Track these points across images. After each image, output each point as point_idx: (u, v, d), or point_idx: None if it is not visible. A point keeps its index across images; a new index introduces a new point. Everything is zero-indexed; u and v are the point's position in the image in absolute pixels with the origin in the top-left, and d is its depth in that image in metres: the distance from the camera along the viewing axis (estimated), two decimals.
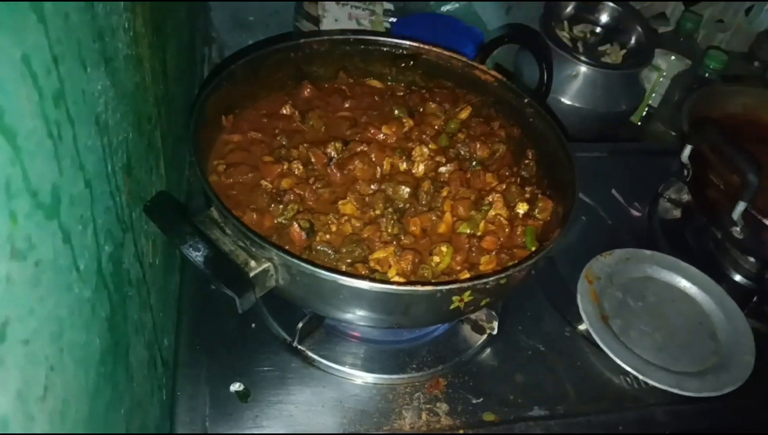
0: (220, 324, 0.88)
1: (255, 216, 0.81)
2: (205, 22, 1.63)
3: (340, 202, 0.84)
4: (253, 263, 0.70)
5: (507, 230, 0.86)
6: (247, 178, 0.86)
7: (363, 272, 0.76)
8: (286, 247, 0.78)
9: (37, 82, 0.35)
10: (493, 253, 0.83)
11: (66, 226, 0.40)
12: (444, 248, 0.81)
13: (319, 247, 0.78)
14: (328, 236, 0.80)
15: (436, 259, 0.81)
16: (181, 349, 0.85)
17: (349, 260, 0.77)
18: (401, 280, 0.75)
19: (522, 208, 0.90)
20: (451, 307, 0.72)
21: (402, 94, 1.05)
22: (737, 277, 1.11)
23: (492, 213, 0.87)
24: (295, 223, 0.80)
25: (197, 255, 0.64)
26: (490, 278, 0.69)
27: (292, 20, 1.57)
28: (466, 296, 0.71)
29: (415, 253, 0.79)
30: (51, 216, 0.38)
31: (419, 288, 0.67)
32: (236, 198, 0.84)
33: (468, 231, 0.85)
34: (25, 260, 0.33)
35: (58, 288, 0.39)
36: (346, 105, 1.00)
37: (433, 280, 0.78)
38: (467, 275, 0.78)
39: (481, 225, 0.86)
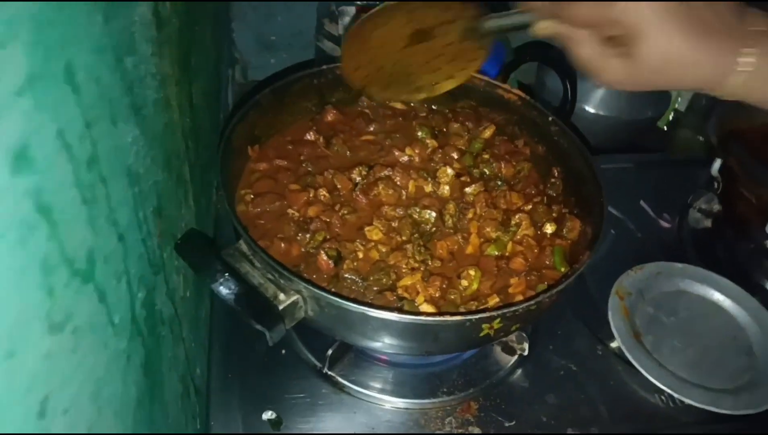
0: (251, 350, 0.89)
1: (283, 245, 0.82)
2: (229, 44, 1.65)
3: (366, 229, 0.85)
4: (282, 296, 0.70)
5: (535, 251, 0.86)
6: (274, 207, 0.87)
7: (391, 299, 0.77)
8: (314, 277, 0.79)
9: (71, 151, 0.36)
10: (522, 274, 0.83)
11: (101, 286, 0.41)
12: (472, 272, 0.81)
13: (346, 275, 0.79)
14: (355, 264, 0.80)
15: (464, 282, 0.81)
16: (213, 378, 0.86)
17: (376, 288, 0.78)
18: (429, 307, 0.75)
19: (550, 229, 0.89)
20: (481, 334, 0.72)
21: (425, 115, 1.05)
22: None
23: (519, 233, 0.87)
24: (321, 251, 0.81)
25: (228, 293, 0.65)
26: (520, 306, 0.69)
27: (314, 40, 1.57)
28: (496, 324, 0.71)
29: (443, 278, 0.79)
30: (87, 280, 0.39)
31: (448, 318, 0.68)
32: (264, 227, 0.85)
33: (496, 253, 0.84)
34: (62, 331, 0.34)
35: (95, 349, 0.40)
36: (370, 128, 1.00)
37: (461, 306, 0.78)
38: (496, 299, 0.78)
39: (509, 246, 0.86)
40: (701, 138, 1.51)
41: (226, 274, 0.65)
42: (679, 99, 1.55)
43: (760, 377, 0.92)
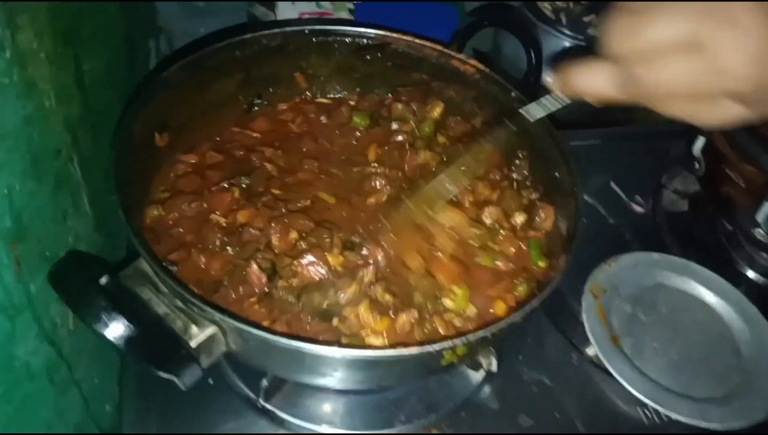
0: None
1: (202, 258, 0.68)
2: (148, 11, 1.46)
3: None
4: (194, 329, 0.56)
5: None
6: (192, 211, 0.72)
7: (333, 325, 0.63)
8: (240, 292, 0.65)
9: None
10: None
11: None
12: (459, 291, 0.68)
13: (281, 295, 0.65)
14: (293, 281, 0.66)
15: (448, 302, 0.68)
16: (125, 419, 0.72)
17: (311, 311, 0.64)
18: (377, 338, 0.62)
19: (520, 218, 0.77)
20: (443, 362, 0.59)
21: (354, 102, 0.91)
22: (753, 275, 1.00)
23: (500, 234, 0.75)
24: (254, 263, 0.66)
25: (116, 335, 0.50)
26: (489, 331, 0.57)
27: (246, 5, 1.41)
28: (460, 350, 0.58)
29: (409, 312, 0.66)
30: None
31: (403, 352, 0.54)
32: (181, 237, 0.70)
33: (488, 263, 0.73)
34: None
35: None
36: (304, 149, 0.85)
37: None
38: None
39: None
40: None
41: (114, 313, 0.50)
42: None
43: (750, 381, 0.83)
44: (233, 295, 0.66)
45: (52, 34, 0.59)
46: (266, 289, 0.66)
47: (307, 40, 0.88)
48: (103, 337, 0.50)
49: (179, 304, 0.57)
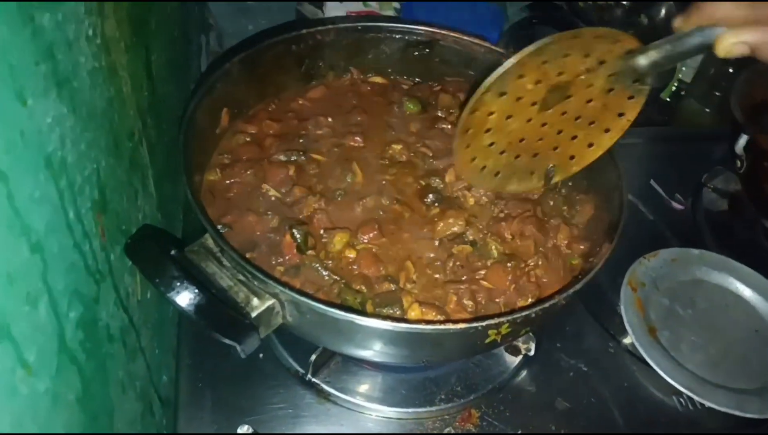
0: (225, 356, 0.79)
1: (251, 219, 0.72)
2: (201, 9, 1.52)
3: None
4: (255, 301, 0.60)
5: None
6: (248, 178, 0.76)
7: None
8: (272, 262, 0.69)
9: None
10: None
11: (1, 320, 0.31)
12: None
13: (314, 265, 0.68)
14: (327, 254, 0.70)
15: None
16: (181, 387, 0.76)
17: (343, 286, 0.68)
18: (420, 311, 0.65)
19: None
20: (487, 341, 0.62)
21: (407, 87, 0.94)
22: None
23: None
24: (288, 232, 0.70)
25: (187, 303, 0.54)
26: (532, 310, 0.59)
27: (294, 3, 1.45)
28: (504, 329, 0.61)
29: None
30: None
31: (450, 327, 0.58)
32: (233, 201, 0.74)
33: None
34: None
35: None
36: (358, 118, 0.88)
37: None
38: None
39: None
40: (708, 110, 1.42)
41: (185, 280, 0.54)
42: (684, 69, 1.45)
43: None
44: (264, 261, 0.69)
45: (128, 23, 0.64)
46: (297, 260, 0.69)
47: (357, 35, 0.91)
48: (176, 304, 0.54)
49: (241, 277, 0.61)
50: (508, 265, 0.71)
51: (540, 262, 0.72)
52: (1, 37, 0.33)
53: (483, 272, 0.70)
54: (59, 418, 0.39)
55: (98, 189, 0.50)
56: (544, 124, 0.68)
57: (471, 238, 0.74)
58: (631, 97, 0.67)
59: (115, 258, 0.55)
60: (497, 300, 0.70)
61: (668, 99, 1.48)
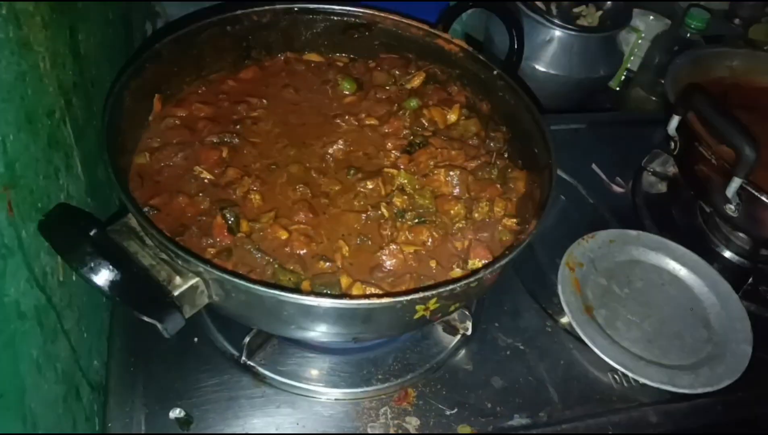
0: (158, 339, 0.77)
1: (181, 199, 0.71)
2: None
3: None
4: (178, 280, 0.59)
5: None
6: (178, 161, 0.75)
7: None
8: (202, 243, 0.68)
9: None
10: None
11: None
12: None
13: (246, 247, 0.68)
14: (257, 235, 0.69)
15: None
16: (112, 372, 0.75)
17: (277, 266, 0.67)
18: (353, 285, 0.65)
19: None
20: (416, 316, 0.62)
21: (342, 65, 0.94)
22: (729, 255, 1.03)
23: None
24: (219, 214, 0.69)
25: (103, 280, 0.53)
26: (457, 284, 0.60)
27: None
28: (432, 304, 0.61)
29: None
30: None
31: (375, 301, 0.57)
32: (164, 184, 0.73)
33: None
34: None
35: None
36: (291, 92, 0.88)
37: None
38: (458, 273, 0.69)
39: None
40: (654, 98, 1.45)
41: (99, 257, 0.53)
42: (632, 58, 1.47)
43: (718, 351, 0.86)
44: (195, 244, 0.68)
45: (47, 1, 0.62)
46: (229, 242, 0.69)
47: (296, 17, 0.91)
48: (90, 281, 0.53)
49: (164, 256, 0.60)
50: (435, 223, 0.73)
51: (469, 226, 0.73)
52: None
53: (410, 235, 0.71)
54: None
55: (4, 162, 0.49)
56: None
57: (399, 200, 0.75)
58: None
59: (27, 235, 0.53)
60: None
61: (617, 88, 1.51)
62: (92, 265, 0.53)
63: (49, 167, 0.61)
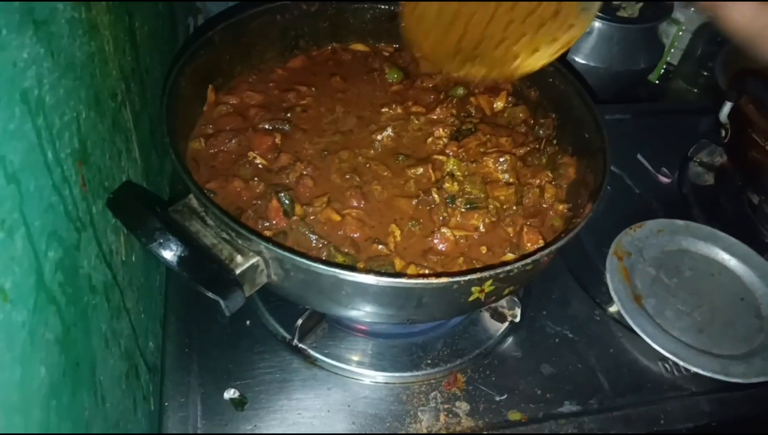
0: (212, 322, 0.79)
1: (237, 184, 0.72)
2: None
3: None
4: (239, 258, 0.60)
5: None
6: (232, 147, 0.76)
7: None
8: (258, 226, 0.69)
9: None
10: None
11: None
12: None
13: (301, 229, 0.68)
14: (312, 218, 0.70)
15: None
16: (168, 353, 0.76)
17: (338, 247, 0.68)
18: (408, 266, 0.65)
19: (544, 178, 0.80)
20: (471, 298, 0.63)
21: (388, 54, 0.95)
22: None
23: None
24: (275, 197, 0.70)
25: (170, 255, 0.54)
26: (514, 265, 0.60)
27: None
28: (487, 286, 0.61)
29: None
30: None
31: (433, 281, 0.58)
32: (217, 169, 0.74)
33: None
34: None
35: None
36: (338, 81, 0.89)
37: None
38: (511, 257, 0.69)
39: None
40: (696, 90, 1.43)
41: (168, 233, 0.54)
42: (672, 50, 1.46)
43: None
44: (252, 226, 0.69)
45: None
46: (284, 225, 0.70)
47: (344, 7, 0.91)
48: (159, 256, 0.54)
49: (225, 235, 0.61)
50: (487, 209, 0.73)
51: (520, 212, 0.73)
52: None
53: (462, 220, 0.71)
54: (37, 355, 0.39)
55: (78, 138, 0.50)
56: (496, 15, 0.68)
57: (449, 185, 0.76)
58: (581, 13, 0.67)
59: (97, 212, 0.55)
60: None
61: (657, 81, 1.49)
62: (161, 240, 0.54)
63: (113, 148, 0.62)
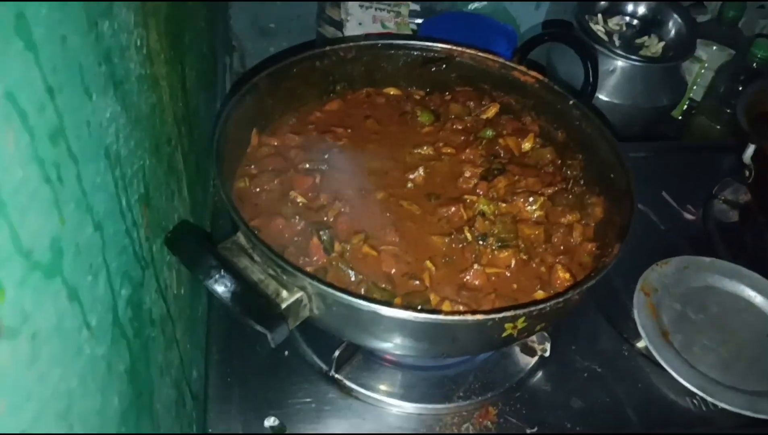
0: (252, 352, 0.83)
1: (279, 223, 0.76)
2: (225, 30, 1.59)
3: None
4: (284, 293, 0.64)
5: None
6: (275, 186, 0.81)
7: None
8: (299, 262, 0.72)
9: (26, 121, 0.29)
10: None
11: (72, 282, 0.35)
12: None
13: (341, 266, 0.72)
14: (349, 255, 0.74)
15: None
16: (211, 382, 0.80)
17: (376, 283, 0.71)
18: (442, 302, 0.69)
19: (571, 217, 0.83)
20: (504, 334, 0.65)
21: (419, 98, 0.99)
22: None
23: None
24: (315, 235, 0.74)
25: (224, 291, 0.58)
26: (547, 304, 0.63)
27: (315, 25, 1.51)
28: (520, 323, 0.64)
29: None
30: (51, 274, 0.32)
31: (469, 318, 0.61)
32: (260, 208, 0.79)
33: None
34: (17, 337, 0.28)
35: (63, 357, 0.34)
36: (373, 123, 0.94)
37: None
38: (542, 294, 0.72)
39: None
40: (719, 126, 1.45)
41: (222, 270, 0.58)
42: (695, 87, 1.48)
43: None
44: (293, 263, 0.72)
45: (167, 37, 0.69)
46: (324, 262, 0.73)
47: (378, 53, 0.96)
48: (214, 291, 0.58)
49: (271, 271, 0.65)
50: (520, 248, 0.76)
51: (549, 250, 0.76)
52: (73, 41, 0.37)
53: (493, 257, 0.74)
54: (113, 386, 0.43)
55: (144, 184, 0.55)
56: None
57: (480, 224, 0.79)
58: None
59: (156, 250, 0.59)
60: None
61: (680, 117, 1.52)
62: (216, 277, 0.58)
63: (168, 190, 0.67)
